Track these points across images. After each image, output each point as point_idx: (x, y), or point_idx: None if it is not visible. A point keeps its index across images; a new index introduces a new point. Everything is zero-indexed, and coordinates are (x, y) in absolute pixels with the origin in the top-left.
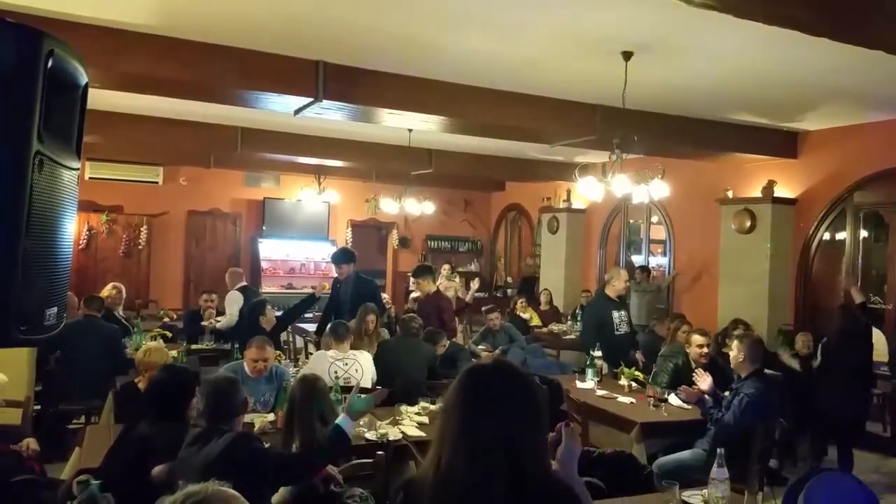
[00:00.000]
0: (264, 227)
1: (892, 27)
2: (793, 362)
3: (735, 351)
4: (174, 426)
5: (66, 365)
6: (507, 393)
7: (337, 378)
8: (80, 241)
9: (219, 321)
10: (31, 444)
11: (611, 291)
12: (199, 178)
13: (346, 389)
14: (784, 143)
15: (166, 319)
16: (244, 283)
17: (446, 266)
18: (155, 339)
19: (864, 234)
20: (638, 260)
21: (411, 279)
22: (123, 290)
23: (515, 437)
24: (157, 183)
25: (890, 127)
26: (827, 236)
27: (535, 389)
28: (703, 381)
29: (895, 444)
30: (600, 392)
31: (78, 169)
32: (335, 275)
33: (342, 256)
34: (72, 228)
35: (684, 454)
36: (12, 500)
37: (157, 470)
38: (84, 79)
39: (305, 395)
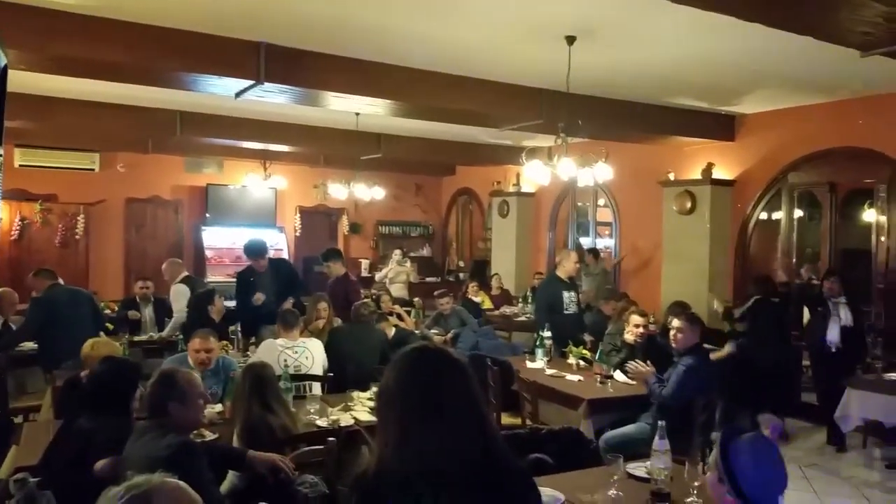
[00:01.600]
0: (208, 215)
1: (819, 14)
2: (736, 325)
3: (675, 328)
4: (117, 420)
5: (57, 331)
6: (460, 370)
7: (286, 366)
8: (12, 232)
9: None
10: None
11: (561, 272)
12: (138, 165)
13: (297, 378)
14: (722, 127)
15: (107, 311)
16: (186, 274)
17: (397, 251)
18: None
19: (798, 213)
20: (586, 242)
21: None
22: None
23: (482, 412)
24: (93, 170)
25: (822, 110)
26: (763, 216)
27: (465, 369)
28: (639, 368)
29: (821, 411)
30: (550, 371)
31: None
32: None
33: (261, 248)
34: None
35: (629, 428)
36: None
37: (101, 464)
38: (2, 60)
39: (250, 382)
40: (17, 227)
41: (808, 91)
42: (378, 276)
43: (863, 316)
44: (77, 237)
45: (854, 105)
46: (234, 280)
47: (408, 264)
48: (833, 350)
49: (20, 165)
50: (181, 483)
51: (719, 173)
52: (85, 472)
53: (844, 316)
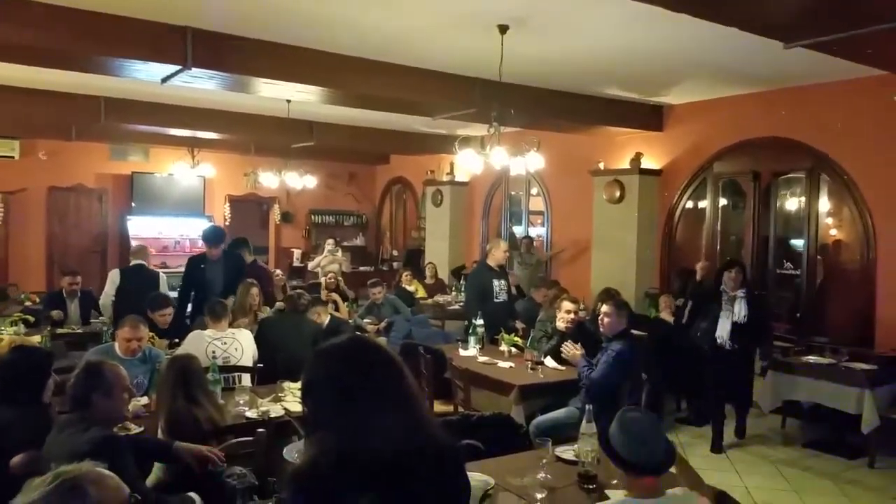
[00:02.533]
0: (133, 204)
1: (744, 6)
2: (667, 316)
3: (603, 315)
4: (31, 410)
5: None
6: (393, 360)
7: (215, 358)
8: None
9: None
10: None
11: (492, 261)
12: (61, 152)
13: (225, 369)
14: (650, 117)
15: (28, 303)
16: (137, 262)
17: (330, 241)
18: (15, 325)
19: (723, 201)
20: (519, 230)
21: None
22: None
23: (419, 401)
24: (13, 157)
25: (746, 101)
26: (690, 204)
27: (393, 359)
28: (574, 350)
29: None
30: (482, 358)
31: None
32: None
33: (219, 236)
34: None
35: (559, 413)
36: None
37: (17, 459)
38: None
39: (174, 373)
40: None
41: (735, 82)
42: (311, 265)
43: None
44: None
45: (778, 96)
46: (162, 271)
47: (339, 254)
48: (728, 348)
49: None
50: (109, 472)
51: (648, 163)
52: (2, 468)
53: (738, 310)
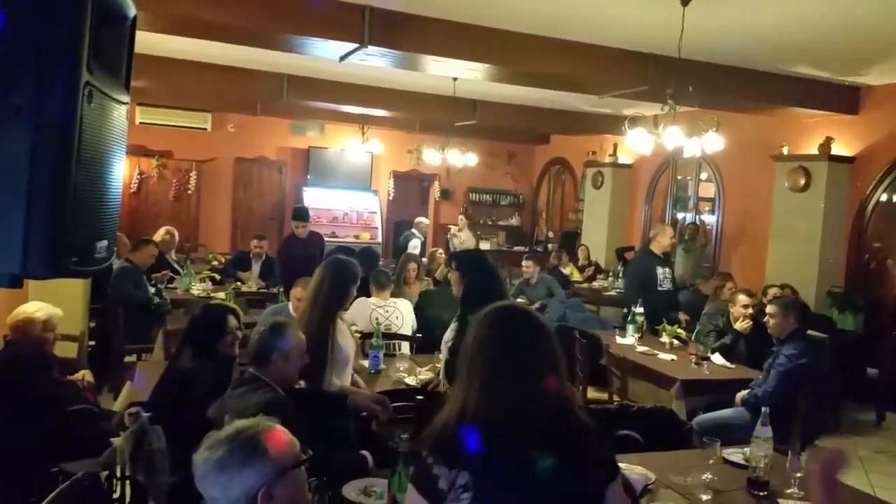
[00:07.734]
0: (308, 176)
1: None
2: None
3: (771, 314)
4: (211, 363)
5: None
6: (537, 331)
7: (378, 324)
8: (132, 185)
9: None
10: (86, 375)
11: (656, 248)
12: (247, 125)
13: (387, 336)
14: (845, 98)
15: (215, 262)
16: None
17: (462, 217)
18: (203, 282)
19: None
20: (681, 217)
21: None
22: (176, 235)
23: (561, 374)
24: (205, 129)
25: None
26: (884, 197)
27: (551, 332)
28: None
29: None
30: (641, 348)
31: (127, 103)
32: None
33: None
34: (121, 164)
35: (725, 412)
36: (69, 428)
37: (213, 408)
38: (132, 10)
39: None
40: (136, 181)
41: None
42: (456, 242)
43: None
44: (189, 192)
45: None
46: (332, 240)
47: (465, 230)
48: None
49: (140, 123)
50: (283, 429)
51: (838, 149)
52: (187, 412)
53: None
